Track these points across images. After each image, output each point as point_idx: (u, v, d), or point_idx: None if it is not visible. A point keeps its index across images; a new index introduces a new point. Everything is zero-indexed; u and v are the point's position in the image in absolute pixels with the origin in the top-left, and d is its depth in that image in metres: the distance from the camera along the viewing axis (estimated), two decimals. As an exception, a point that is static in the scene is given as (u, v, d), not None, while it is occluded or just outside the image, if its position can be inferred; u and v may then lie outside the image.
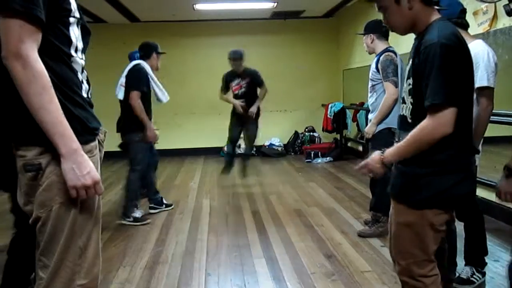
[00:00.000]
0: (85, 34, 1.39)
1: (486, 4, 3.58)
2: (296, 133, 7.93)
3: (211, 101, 6.62)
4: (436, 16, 1.49)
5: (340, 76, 7.79)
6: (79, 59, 1.33)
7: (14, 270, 2.01)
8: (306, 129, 7.88)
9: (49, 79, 1.16)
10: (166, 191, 4.97)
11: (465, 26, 2.24)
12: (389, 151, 1.54)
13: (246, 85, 5.01)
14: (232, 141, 5.28)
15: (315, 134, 7.77)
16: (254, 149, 6.30)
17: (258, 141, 8.20)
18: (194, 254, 3.15)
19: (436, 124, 1.39)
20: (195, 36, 7.68)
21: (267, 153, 7.58)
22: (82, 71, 1.35)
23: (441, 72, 1.36)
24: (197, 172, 6.38)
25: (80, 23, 1.35)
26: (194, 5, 6.40)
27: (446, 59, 1.37)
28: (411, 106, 1.51)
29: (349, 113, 7.09)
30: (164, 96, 4.00)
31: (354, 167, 1.81)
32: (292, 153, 7.78)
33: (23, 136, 1.22)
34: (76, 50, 1.31)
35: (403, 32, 1.57)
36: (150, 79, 3.86)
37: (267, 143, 7.73)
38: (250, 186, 5.29)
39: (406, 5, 1.46)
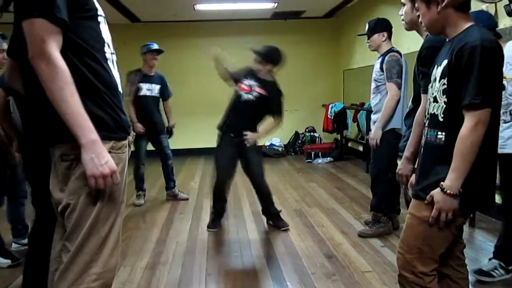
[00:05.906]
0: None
1: (487, 4, 3.58)
2: (296, 133, 7.93)
3: (212, 101, 6.61)
4: (471, 22, 1.53)
5: (341, 76, 7.79)
6: (110, 54, 1.45)
7: (34, 260, 2.04)
8: (307, 129, 7.88)
9: (70, 75, 1.24)
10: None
11: (500, 36, 2.43)
12: (448, 178, 1.45)
13: (258, 95, 3.57)
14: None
15: (316, 134, 7.77)
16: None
17: (259, 141, 8.19)
18: (195, 254, 3.15)
19: (475, 121, 1.41)
20: (196, 36, 7.69)
21: (267, 153, 7.57)
22: (115, 66, 1.48)
23: (482, 73, 1.41)
24: (198, 172, 6.38)
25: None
26: (194, 6, 6.40)
27: (487, 61, 1.42)
28: (444, 105, 1.52)
29: (350, 114, 7.08)
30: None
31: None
32: (293, 153, 7.78)
33: (57, 136, 1.33)
34: (108, 47, 1.45)
35: (431, 32, 1.64)
36: None
37: (267, 143, 7.73)
38: (250, 186, 5.27)
39: (435, 10, 1.51)
